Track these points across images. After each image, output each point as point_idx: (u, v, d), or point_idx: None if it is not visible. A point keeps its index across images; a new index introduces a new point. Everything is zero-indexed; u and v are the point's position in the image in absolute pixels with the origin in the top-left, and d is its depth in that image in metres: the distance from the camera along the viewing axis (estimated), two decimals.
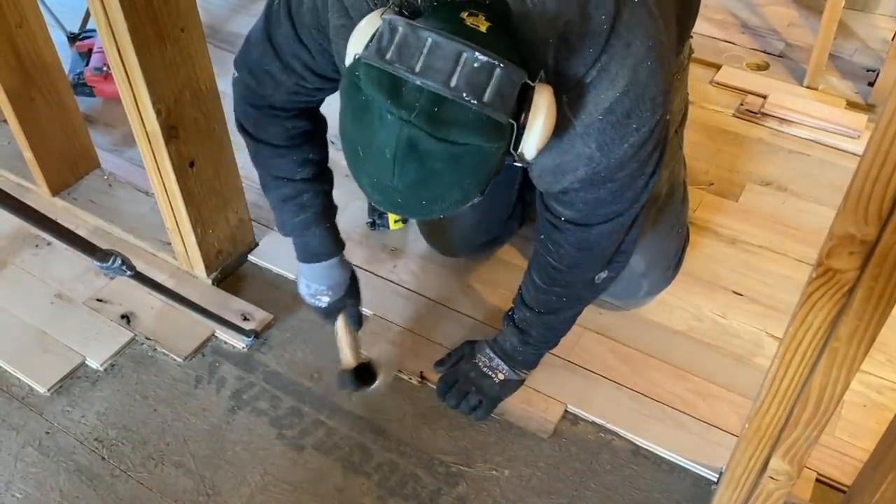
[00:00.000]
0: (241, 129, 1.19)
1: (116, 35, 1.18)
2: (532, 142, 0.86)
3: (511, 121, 0.83)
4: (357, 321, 1.32)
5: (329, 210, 1.25)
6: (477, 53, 0.78)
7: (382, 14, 0.83)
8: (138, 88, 1.24)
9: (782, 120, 1.91)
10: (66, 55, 2.01)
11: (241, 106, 1.16)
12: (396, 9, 0.85)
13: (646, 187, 1.03)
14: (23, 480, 1.25)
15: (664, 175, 1.36)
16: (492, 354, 1.31)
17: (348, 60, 0.86)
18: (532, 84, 0.83)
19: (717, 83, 2.04)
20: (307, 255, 1.27)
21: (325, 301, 1.29)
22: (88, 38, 2.13)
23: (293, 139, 1.17)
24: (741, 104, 1.97)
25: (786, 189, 1.75)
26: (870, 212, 0.67)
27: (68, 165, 1.69)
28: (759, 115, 1.93)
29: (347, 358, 1.31)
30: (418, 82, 0.78)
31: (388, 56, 0.79)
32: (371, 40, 0.82)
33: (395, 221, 1.64)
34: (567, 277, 1.17)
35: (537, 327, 1.26)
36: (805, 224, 1.66)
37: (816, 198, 1.72)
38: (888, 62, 1.90)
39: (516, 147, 0.86)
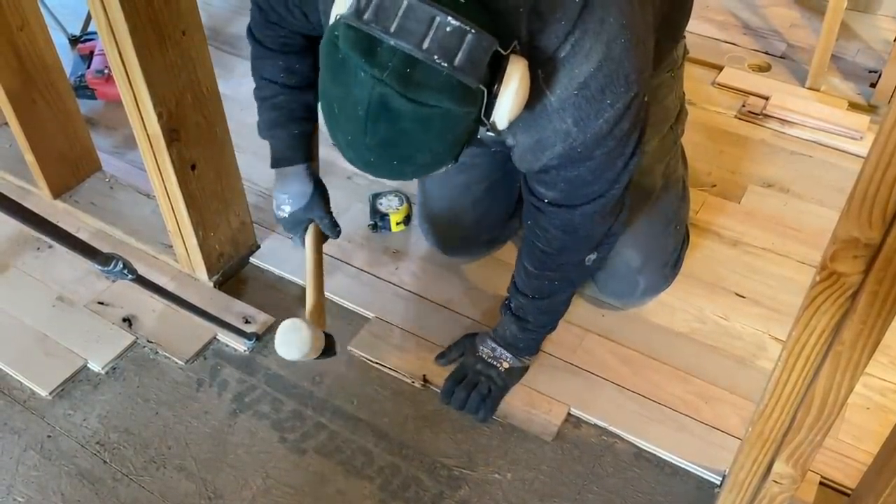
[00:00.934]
0: (248, 29, 1.24)
1: (117, 37, 1.18)
2: (503, 110, 0.88)
3: (482, 87, 0.85)
4: (331, 228, 1.30)
5: (301, 118, 1.27)
6: (449, 18, 0.80)
7: None
8: (139, 91, 1.24)
9: (784, 121, 1.91)
10: (67, 58, 2.02)
11: (252, 4, 1.21)
12: None
13: (625, 168, 1.05)
14: (24, 484, 1.25)
15: (658, 169, 1.37)
16: (494, 345, 1.33)
17: (331, 21, 0.89)
18: (504, 53, 0.85)
19: (719, 84, 2.04)
20: (273, 160, 1.30)
21: (286, 211, 1.30)
22: (90, 40, 2.13)
23: (284, 46, 1.22)
24: (743, 105, 1.96)
25: (788, 190, 1.75)
26: (874, 215, 0.67)
27: (69, 168, 1.69)
28: (761, 117, 1.93)
29: (310, 298, 1.20)
30: (392, 42, 0.81)
31: (365, 16, 0.82)
32: (352, 2, 0.84)
33: (397, 224, 1.63)
34: (557, 260, 1.19)
35: (533, 313, 1.28)
36: (807, 225, 1.65)
37: (819, 199, 1.72)
38: (890, 63, 1.90)
39: (488, 115, 0.88)
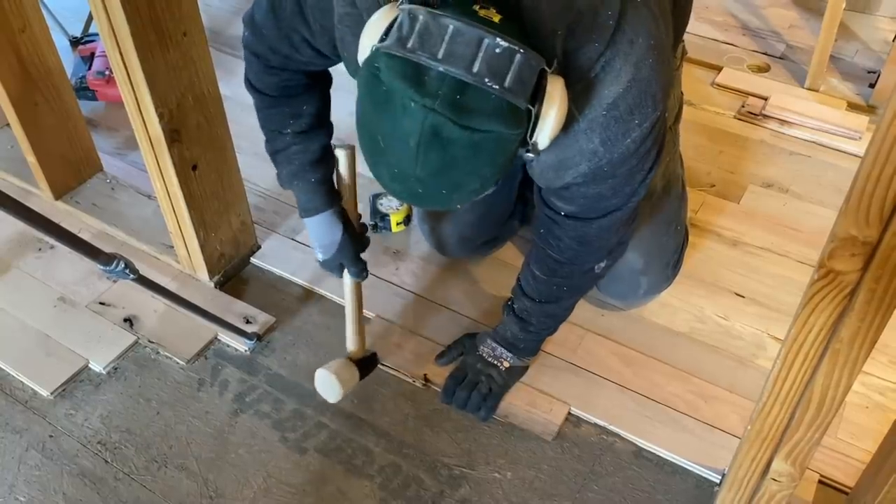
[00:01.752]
0: (246, 80, 1.22)
1: (119, 39, 1.18)
2: (547, 130, 0.88)
3: (529, 107, 0.85)
4: (357, 276, 1.32)
5: (318, 162, 1.25)
6: (498, 39, 0.80)
7: (399, 5, 0.85)
8: (141, 92, 1.24)
9: (783, 121, 1.92)
10: (68, 59, 2.02)
11: (246, 54, 1.19)
12: (406, 1, 0.87)
13: (643, 182, 1.05)
14: (26, 484, 1.26)
15: (658, 170, 1.37)
16: (494, 344, 1.34)
17: (363, 53, 0.87)
18: (549, 70, 0.85)
19: (719, 85, 2.05)
20: (301, 210, 1.30)
21: (319, 257, 1.32)
22: (91, 42, 2.14)
23: (287, 90, 1.20)
24: (742, 106, 1.97)
25: (787, 191, 1.75)
26: (871, 213, 0.67)
27: (71, 169, 1.70)
28: (760, 117, 1.93)
29: (350, 342, 1.33)
30: (441, 69, 0.79)
31: (409, 44, 0.80)
32: (389, 31, 0.83)
33: (398, 224, 1.64)
34: (567, 269, 1.20)
35: (537, 315, 1.28)
36: (806, 225, 1.66)
37: (818, 199, 1.73)
38: (889, 63, 1.90)
39: (531, 136, 0.88)
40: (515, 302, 1.30)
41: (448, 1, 0.86)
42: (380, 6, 0.89)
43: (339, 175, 1.29)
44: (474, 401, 1.31)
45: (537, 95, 0.85)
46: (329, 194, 1.28)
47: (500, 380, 1.33)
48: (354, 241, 1.31)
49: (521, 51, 0.80)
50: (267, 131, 1.25)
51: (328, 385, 1.28)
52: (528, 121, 0.86)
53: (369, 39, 0.86)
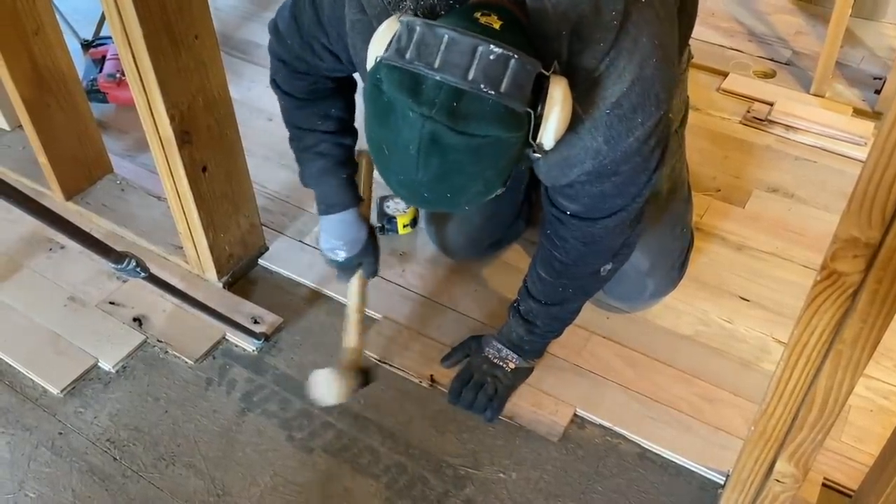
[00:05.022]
0: (272, 81, 1.25)
1: (132, 41, 1.20)
2: (550, 131, 0.89)
3: (528, 110, 0.86)
4: (372, 274, 1.35)
5: (346, 163, 1.29)
6: (492, 46, 0.81)
7: (399, 17, 0.87)
8: (152, 94, 1.26)
9: (789, 127, 1.92)
10: (79, 62, 2.04)
11: (272, 59, 1.22)
12: (412, 12, 0.90)
13: (648, 182, 1.07)
14: (36, 480, 1.27)
15: (665, 172, 1.38)
16: (500, 346, 1.35)
17: (369, 64, 0.90)
18: (547, 74, 0.87)
19: (724, 90, 2.05)
20: (323, 207, 1.31)
21: (340, 255, 1.32)
22: (102, 45, 2.16)
23: (316, 93, 1.23)
24: (748, 111, 1.98)
25: (792, 195, 1.76)
26: (873, 215, 0.68)
27: (82, 170, 1.71)
28: (765, 123, 1.94)
29: (350, 339, 1.31)
30: (437, 77, 0.82)
31: (407, 55, 0.83)
32: (390, 43, 0.85)
33: (404, 226, 1.65)
34: (573, 270, 1.21)
35: (543, 318, 1.29)
36: (811, 230, 1.66)
37: (823, 204, 1.73)
38: (895, 69, 1.91)
39: (535, 137, 0.90)
40: (521, 304, 1.31)
41: (450, 9, 0.89)
42: (388, 13, 0.91)
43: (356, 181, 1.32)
44: (480, 402, 1.32)
45: (539, 97, 0.87)
46: (355, 192, 1.31)
47: (505, 381, 1.34)
48: (376, 239, 1.35)
49: (516, 56, 0.82)
50: (292, 129, 1.28)
51: (322, 386, 1.26)
52: (529, 123, 0.88)
53: (374, 51, 0.88)
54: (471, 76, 0.81)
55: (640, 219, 1.17)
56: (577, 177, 1.03)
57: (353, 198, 1.30)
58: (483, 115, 0.83)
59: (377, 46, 0.88)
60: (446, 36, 0.82)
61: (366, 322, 1.37)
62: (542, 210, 1.18)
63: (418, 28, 0.83)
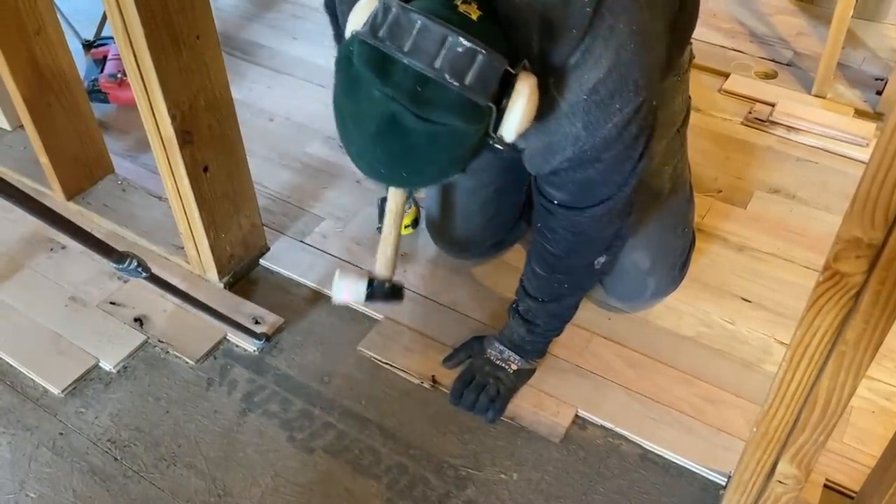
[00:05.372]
0: (325, 4, 1.22)
1: (133, 41, 1.20)
2: (510, 126, 0.90)
3: (490, 104, 0.87)
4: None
5: None
6: (461, 38, 0.82)
7: None
8: (154, 94, 1.26)
9: (790, 128, 1.92)
10: (80, 62, 2.04)
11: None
12: None
13: (633, 171, 1.07)
14: (37, 480, 1.27)
15: (666, 171, 1.38)
16: (501, 347, 1.35)
17: (346, 34, 0.91)
18: (514, 72, 0.87)
19: (726, 91, 2.05)
20: None
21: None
22: (103, 45, 2.16)
23: None
24: (749, 112, 1.98)
25: (794, 196, 1.76)
26: (876, 216, 0.68)
27: (83, 170, 1.71)
28: (767, 123, 1.94)
29: (386, 249, 1.26)
30: (405, 61, 0.83)
31: (380, 34, 0.84)
32: (368, 18, 0.86)
33: (405, 227, 1.65)
34: (565, 262, 1.21)
35: (542, 316, 1.29)
36: (813, 231, 1.66)
37: (824, 205, 1.73)
38: None
39: (496, 130, 0.91)
40: (520, 304, 1.31)
41: None
42: None
43: None
44: (482, 403, 1.32)
45: (504, 92, 0.88)
46: None
47: (508, 382, 1.33)
48: None
49: (483, 52, 0.83)
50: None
51: (347, 280, 1.25)
52: (490, 116, 0.89)
53: (353, 23, 0.89)
54: (437, 64, 0.82)
55: (630, 210, 1.17)
56: (559, 164, 1.04)
57: None
58: (445, 103, 0.84)
59: (356, 18, 0.89)
60: (419, 21, 0.82)
61: (399, 252, 1.30)
62: (534, 202, 1.18)
63: (394, 9, 0.84)
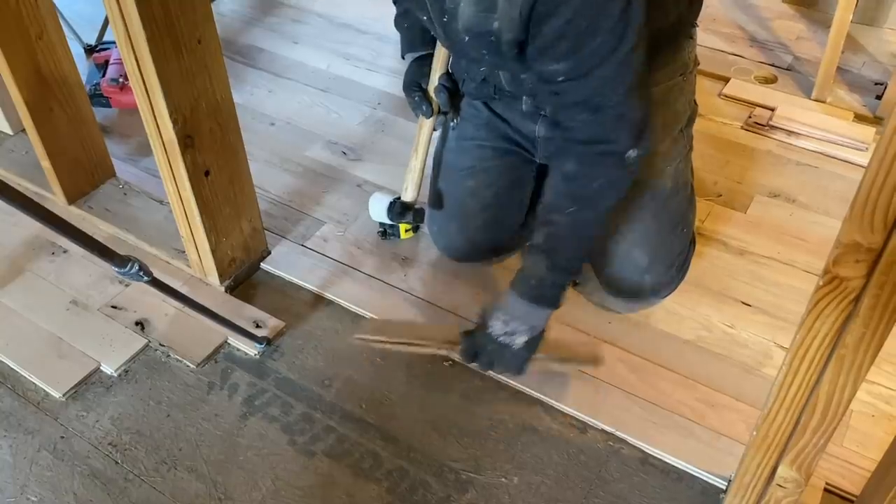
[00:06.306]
0: None
1: (135, 45, 1.20)
2: None
3: None
4: (426, 114, 1.47)
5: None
6: None
7: None
8: (155, 98, 1.26)
9: (790, 132, 1.93)
10: (82, 67, 2.04)
11: None
12: None
13: (623, 16, 1.04)
14: (38, 484, 1.27)
15: (668, 170, 1.38)
16: (506, 318, 1.26)
17: None
18: None
19: (726, 96, 2.06)
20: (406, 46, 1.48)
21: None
22: (105, 49, 2.17)
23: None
24: (749, 116, 1.98)
25: (794, 201, 1.76)
26: (875, 220, 0.68)
27: (84, 174, 1.72)
28: (767, 128, 1.94)
29: (412, 186, 1.54)
30: None
31: None
32: None
33: (406, 231, 1.65)
34: (596, 152, 1.18)
35: (566, 236, 1.24)
36: (813, 235, 1.67)
37: (824, 209, 1.73)
38: None
39: None
40: (538, 233, 1.25)
41: None
42: None
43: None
44: (499, 367, 1.29)
45: None
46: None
47: (516, 360, 1.28)
48: (426, 70, 1.46)
49: None
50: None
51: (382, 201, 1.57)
52: None
53: None
54: None
55: (641, 84, 1.13)
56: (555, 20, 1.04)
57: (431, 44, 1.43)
58: None
59: None
60: None
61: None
62: (548, 108, 1.29)
63: None
